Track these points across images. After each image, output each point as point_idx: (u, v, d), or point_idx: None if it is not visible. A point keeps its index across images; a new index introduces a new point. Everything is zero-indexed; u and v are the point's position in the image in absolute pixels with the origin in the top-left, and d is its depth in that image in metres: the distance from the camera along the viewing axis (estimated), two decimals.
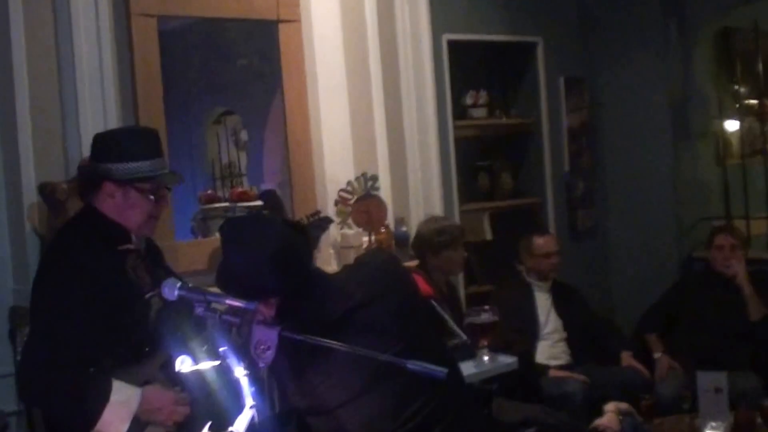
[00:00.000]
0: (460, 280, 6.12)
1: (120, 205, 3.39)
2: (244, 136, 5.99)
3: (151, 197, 3.44)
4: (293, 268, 3.00)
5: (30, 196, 4.62)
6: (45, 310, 3.24)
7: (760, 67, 7.18)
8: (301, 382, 3.00)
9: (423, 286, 5.04)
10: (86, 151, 4.60)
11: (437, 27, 6.18)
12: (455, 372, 3.26)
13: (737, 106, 7.39)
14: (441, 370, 2.50)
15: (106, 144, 3.41)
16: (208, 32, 5.62)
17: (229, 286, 3.04)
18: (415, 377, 2.54)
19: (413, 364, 2.52)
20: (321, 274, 3.19)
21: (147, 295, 3.34)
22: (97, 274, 3.24)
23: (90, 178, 3.42)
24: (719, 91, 7.35)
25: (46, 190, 4.52)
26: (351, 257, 5.57)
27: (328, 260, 5.65)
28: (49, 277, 3.29)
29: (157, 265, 3.56)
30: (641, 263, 7.21)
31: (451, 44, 6.40)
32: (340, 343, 2.68)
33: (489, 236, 6.91)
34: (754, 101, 7.45)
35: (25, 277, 4.58)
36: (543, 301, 6.11)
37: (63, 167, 4.71)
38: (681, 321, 6.21)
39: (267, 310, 3.00)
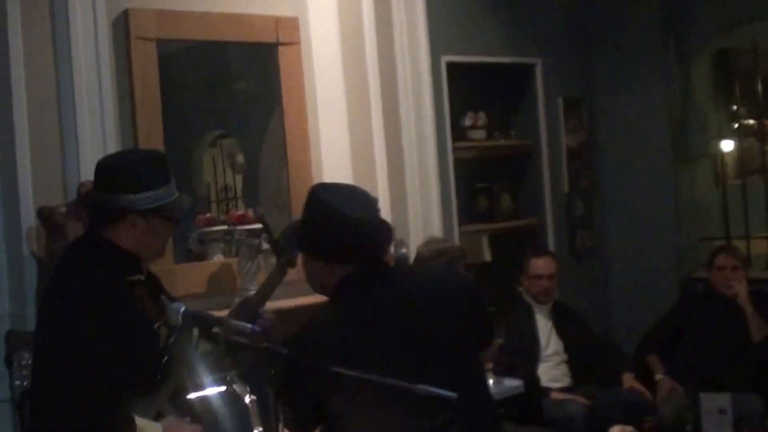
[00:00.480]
0: None
1: (142, 234, 3.31)
2: (240, 159, 5.96)
3: (172, 222, 3.42)
4: (375, 244, 3.03)
5: (28, 219, 4.60)
6: (76, 347, 3.13)
7: (759, 87, 7.18)
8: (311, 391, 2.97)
9: None
10: (85, 175, 4.62)
11: (436, 49, 6.18)
12: (479, 395, 3.20)
13: (736, 126, 7.40)
14: (450, 395, 2.47)
15: (123, 174, 3.30)
16: (207, 55, 5.60)
17: (313, 240, 3.04)
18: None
19: (422, 389, 2.49)
20: (395, 268, 3.19)
21: (155, 325, 3.29)
22: (119, 307, 3.18)
23: (110, 211, 3.34)
24: (718, 112, 7.37)
25: (44, 214, 4.49)
26: None
27: None
28: (76, 311, 3.16)
29: (160, 293, 3.51)
30: (641, 284, 7.18)
31: (450, 66, 6.39)
32: (343, 369, 2.66)
33: (488, 258, 6.88)
34: (753, 121, 7.45)
35: (22, 302, 4.56)
36: (544, 323, 6.08)
37: (61, 191, 4.70)
38: (682, 342, 6.18)
39: (331, 277, 3.01)
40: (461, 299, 3.19)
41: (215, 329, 2.71)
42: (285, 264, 4.75)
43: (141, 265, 3.38)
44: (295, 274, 5.20)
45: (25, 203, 4.60)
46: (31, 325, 4.19)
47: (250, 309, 4.30)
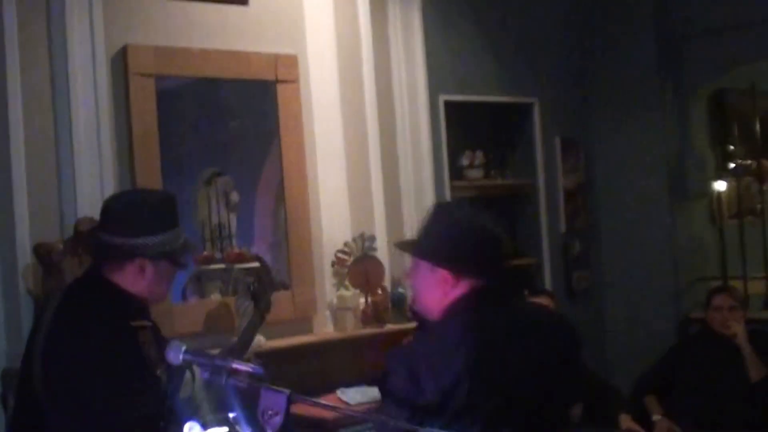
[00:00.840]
0: None
1: (149, 279, 3.24)
2: (234, 197, 5.93)
3: (179, 267, 3.37)
4: (503, 260, 3.01)
5: (24, 256, 4.57)
6: (84, 396, 3.07)
7: (757, 127, 7.20)
8: None
9: None
10: (82, 212, 4.61)
11: (434, 88, 6.21)
12: None
13: (733, 166, 7.41)
14: None
15: (134, 217, 3.22)
16: (205, 92, 5.58)
17: (444, 248, 2.95)
18: None
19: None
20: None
21: (157, 371, 3.23)
22: (127, 357, 3.12)
23: (119, 254, 3.27)
24: (716, 152, 7.38)
25: (41, 251, 4.46)
26: (348, 319, 5.52)
27: (323, 323, 5.60)
28: (85, 361, 3.07)
29: (161, 338, 3.46)
30: (638, 324, 7.16)
31: (448, 105, 6.39)
32: (341, 407, 2.62)
33: None
34: (750, 162, 7.47)
35: (18, 339, 4.49)
36: None
37: (58, 227, 4.68)
38: (679, 382, 6.15)
39: (452, 291, 2.93)
40: (571, 351, 3.09)
41: (216, 369, 2.68)
42: (263, 309, 4.75)
43: (147, 309, 3.32)
44: (287, 314, 5.24)
45: (22, 240, 4.57)
46: None
47: (236, 356, 4.27)
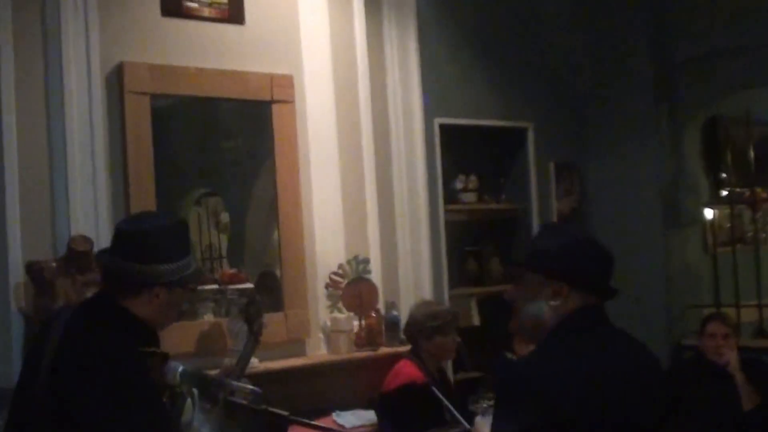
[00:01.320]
0: (448, 366, 6.01)
1: (162, 305, 3.17)
2: (224, 218, 5.91)
3: (189, 292, 3.32)
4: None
5: (16, 274, 4.54)
6: (106, 423, 2.99)
7: (751, 155, 7.20)
8: None
9: (414, 372, 4.95)
10: (75, 230, 4.59)
11: (429, 110, 6.20)
12: None
13: (727, 193, 7.40)
14: None
15: (152, 244, 3.14)
16: (200, 111, 5.56)
17: (563, 261, 2.87)
18: None
19: None
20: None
21: (163, 398, 3.17)
22: (142, 382, 3.03)
23: (135, 281, 3.22)
24: (709, 179, 7.37)
25: (34, 269, 4.42)
26: (341, 342, 5.49)
27: (317, 345, 5.56)
28: (102, 389, 3.00)
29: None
30: None
31: (442, 128, 6.39)
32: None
33: (477, 322, 6.81)
34: (744, 189, 7.46)
35: (9, 358, 4.48)
36: None
37: (51, 246, 4.65)
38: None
39: (563, 306, 2.85)
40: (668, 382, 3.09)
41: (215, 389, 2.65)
42: (257, 332, 4.72)
43: (157, 335, 3.27)
44: (280, 336, 5.21)
45: (14, 258, 4.54)
46: None
47: (234, 378, 4.23)
